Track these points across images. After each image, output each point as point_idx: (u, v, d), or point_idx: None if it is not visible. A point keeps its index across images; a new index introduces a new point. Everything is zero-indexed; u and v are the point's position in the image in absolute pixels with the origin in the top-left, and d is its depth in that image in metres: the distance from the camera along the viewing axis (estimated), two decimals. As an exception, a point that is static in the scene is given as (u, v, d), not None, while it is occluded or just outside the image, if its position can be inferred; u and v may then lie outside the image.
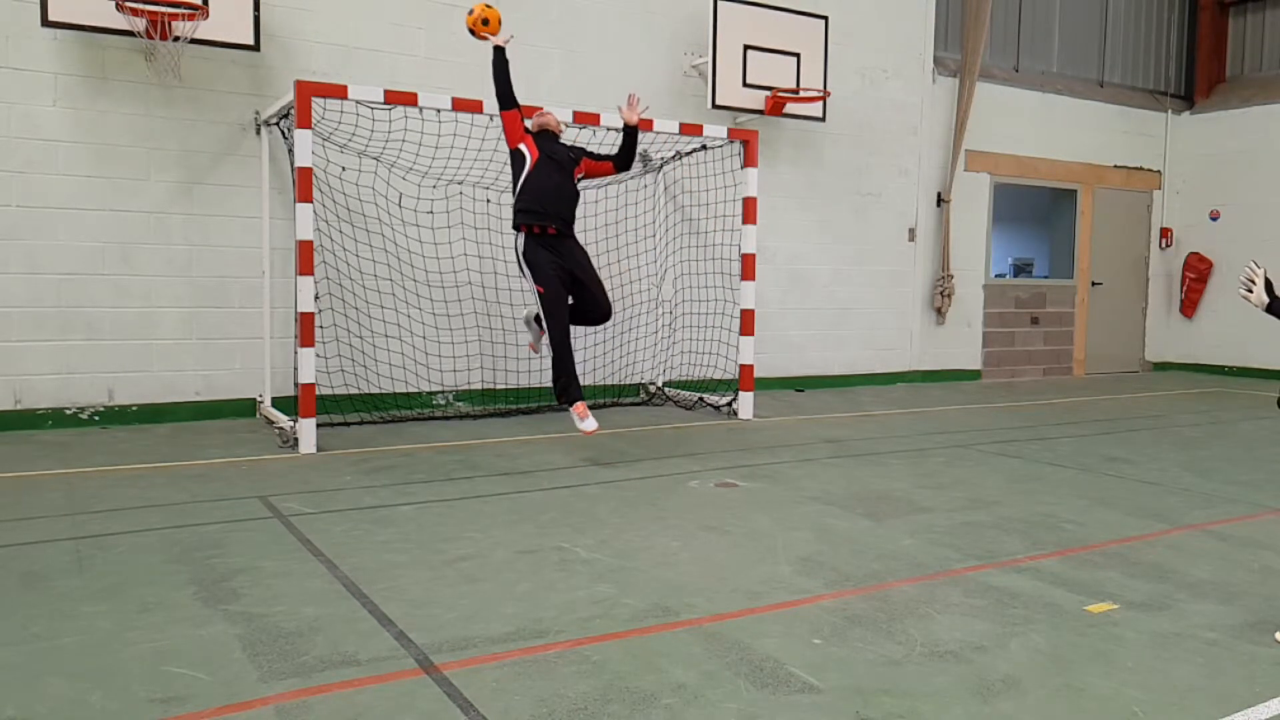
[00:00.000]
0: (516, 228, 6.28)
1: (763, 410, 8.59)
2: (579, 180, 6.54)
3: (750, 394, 8.34)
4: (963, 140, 11.24)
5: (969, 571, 4.07)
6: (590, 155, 6.63)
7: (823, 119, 9.95)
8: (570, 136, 8.24)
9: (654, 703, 2.79)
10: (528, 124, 6.47)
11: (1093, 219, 12.74)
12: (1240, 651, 3.25)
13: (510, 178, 6.57)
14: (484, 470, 6.00)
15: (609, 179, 7.87)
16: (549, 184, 6.24)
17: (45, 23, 6.71)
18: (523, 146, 6.31)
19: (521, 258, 6.28)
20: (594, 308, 6.51)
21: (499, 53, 6.28)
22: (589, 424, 6.25)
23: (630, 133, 6.59)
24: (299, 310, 6.48)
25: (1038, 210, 14.10)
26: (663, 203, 9.39)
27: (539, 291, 6.23)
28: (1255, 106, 12.69)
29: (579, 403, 6.26)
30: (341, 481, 5.61)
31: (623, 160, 6.65)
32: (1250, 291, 3.69)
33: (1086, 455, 6.84)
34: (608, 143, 8.30)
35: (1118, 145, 12.88)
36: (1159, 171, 13.33)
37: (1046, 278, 13.22)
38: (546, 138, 6.45)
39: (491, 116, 7.00)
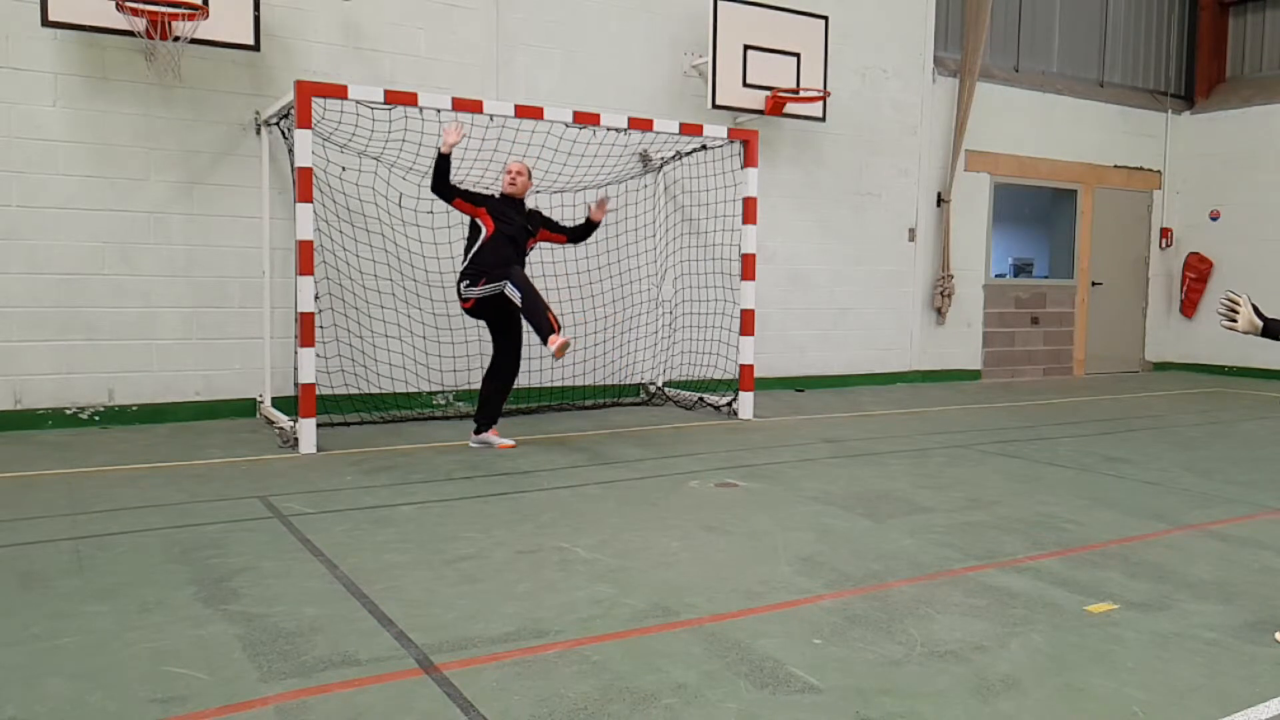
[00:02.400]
0: (461, 280, 6.53)
1: (763, 410, 8.59)
2: (531, 249, 6.85)
3: (750, 394, 8.33)
4: (963, 140, 11.23)
5: (969, 571, 4.07)
6: (549, 226, 6.94)
7: (823, 119, 9.95)
8: (572, 136, 8.27)
9: (654, 703, 2.79)
10: (481, 192, 6.73)
11: (1093, 219, 12.73)
12: (1240, 651, 3.25)
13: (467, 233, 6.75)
14: (484, 470, 6.00)
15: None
16: (499, 256, 6.44)
17: (45, 23, 6.71)
18: (479, 220, 6.57)
19: (465, 289, 6.49)
20: (512, 359, 6.77)
21: (444, 159, 6.40)
22: (565, 336, 6.12)
23: (592, 226, 7.10)
24: (299, 310, 6.48)
25: (1038, 210, 14.10)
26: (663, 203, 9.39)
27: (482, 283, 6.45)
28: (1255, 106, 12.69)
29: (555, 334, 6.14)
30: (341, 481, 5.61)
31: (576, 239, 7.17)
32: (1234, 321, 3.39)
33: (1086, 455, 6.84)
34: (606, 142, 8.33)
35: (1118, 145, 12.87)
36: (1159, 171, 13.33)
37: (1046, 278, 13.22)
38: (508, 204, 6.65)
39: (491, 116, 7.19)
